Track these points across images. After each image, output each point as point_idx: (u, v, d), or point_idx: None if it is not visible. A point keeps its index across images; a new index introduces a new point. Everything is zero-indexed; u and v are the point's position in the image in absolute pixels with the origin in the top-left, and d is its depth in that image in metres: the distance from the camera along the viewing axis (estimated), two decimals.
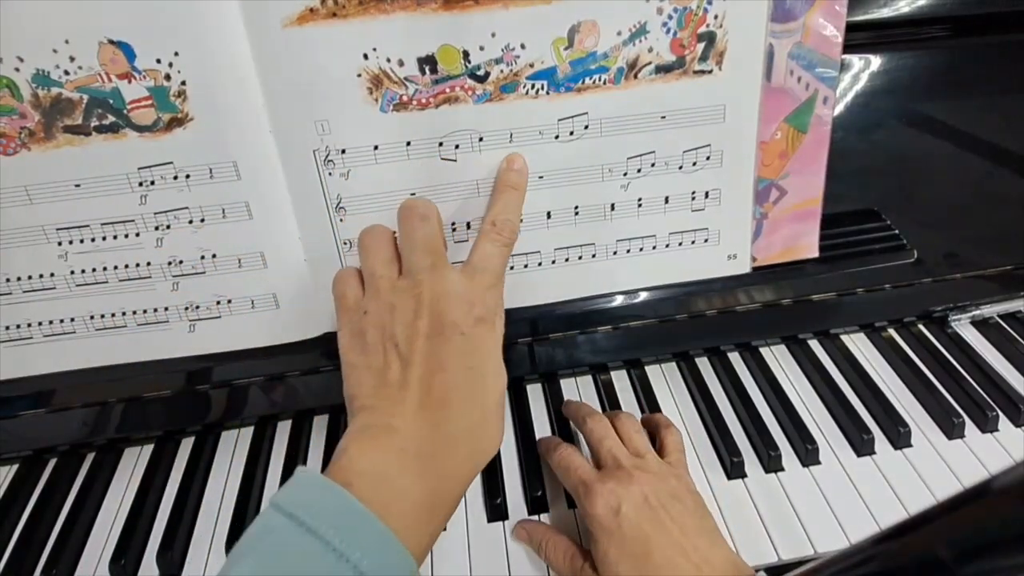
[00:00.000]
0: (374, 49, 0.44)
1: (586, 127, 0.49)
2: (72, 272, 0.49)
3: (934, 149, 0.60)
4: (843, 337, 0.64)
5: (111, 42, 0.42)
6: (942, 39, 0.59)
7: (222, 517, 0.52)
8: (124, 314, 0.51)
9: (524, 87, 0.47)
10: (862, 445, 0.53)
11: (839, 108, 0.57)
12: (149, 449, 0.58)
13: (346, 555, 0.33)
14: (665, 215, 0.53)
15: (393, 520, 0.36)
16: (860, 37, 0.56)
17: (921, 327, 0.64)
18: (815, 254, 0.57)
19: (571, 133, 0.49)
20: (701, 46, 0.47)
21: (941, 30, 0.58)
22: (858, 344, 0.63)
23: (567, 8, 0.45)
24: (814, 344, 0.63)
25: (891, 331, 0.64)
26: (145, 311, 0.51)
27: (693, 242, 0.55)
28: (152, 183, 0.47)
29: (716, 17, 0.47)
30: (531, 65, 0.46)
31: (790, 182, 0.54)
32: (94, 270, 0.49)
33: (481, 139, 0.48)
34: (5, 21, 0.41)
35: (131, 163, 0.46)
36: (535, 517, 0.50)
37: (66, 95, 0.43)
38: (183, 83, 0.44)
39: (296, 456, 0.55)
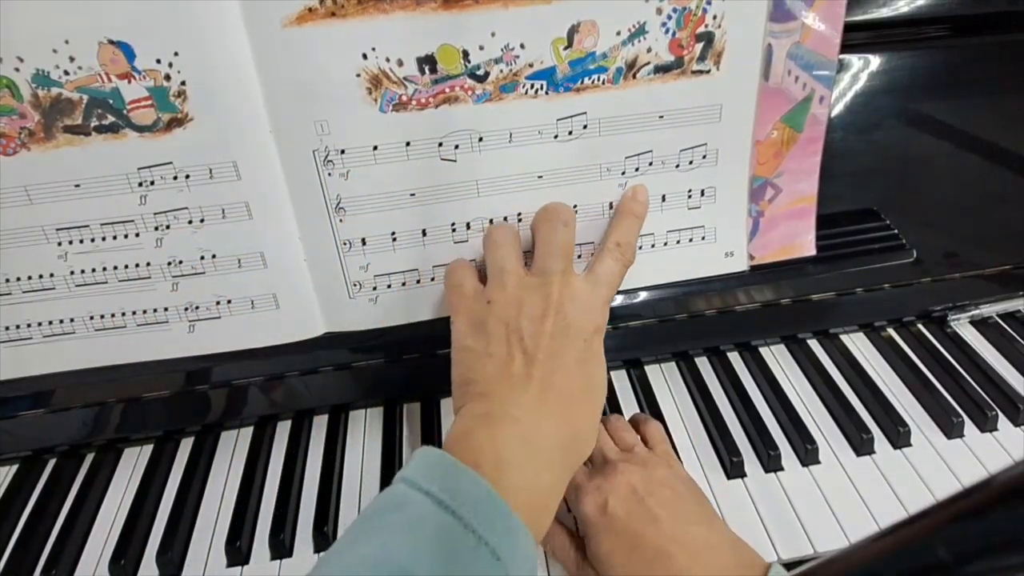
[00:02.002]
0: (373, 49, 0.44)
1: (585, 127, 0.49)
2: (72, 272, 0.49)
3: (933, 149, 0.60)
4: (842, 337, 0.64)
5: (111, 42, 0.42)
6: (941, 39, 0.59)
7: (222, 517, 0.52)
8: (124, 314, 0.51)
9: (523, 87, 0.47)
10: (861, 445, 0.53)
11: (838, 108, 0.57)
12: (149, 449, 0.58)
13: (484, 538, 0.33)
14: (663, 213, 0.53)
15: (516, 508, 0.36)
16: (859, 37, 0.56)
17: (920, 327, 0.64)
18: (812, 252, 0.57)
19: (570, 133, 0.49)
20: (699, 46, 0.47)
21: (940, 30, 0.58)
22: (857, 344, 0.63)
23: (567, 8, 0.45)
24: (813, 344, 0.63)
25: (890, 331, 0.64)
26: (145, 311, 0.51)
27: (691, 240, 0.55)
28: (152, 183, 0.47)
29: (715, 17, 0.47)
30: (530, 65, 0.46)
31: (785, 180, 0.54)
32: (94, 270, 0.49)
33: (481, 139, 0.48)
34: (5, 21, 0.41)
35: (131, 163, 0.46)
36: None
37: (66, 95, 0.43)
38: (183, 83, 0.44)
39: (296, 456, 0.55)
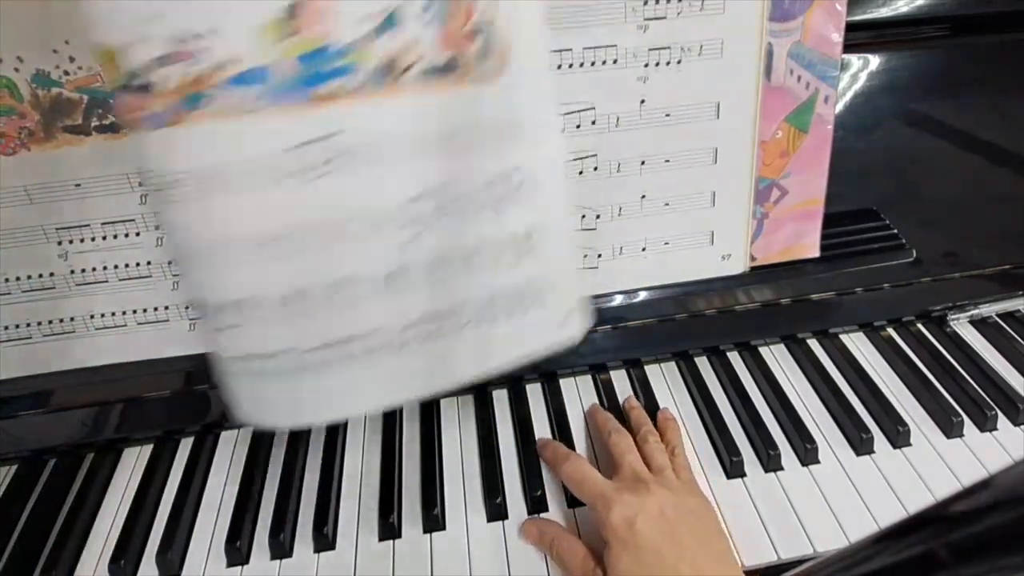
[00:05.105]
0: None
1: (328, 161, 0.34)
2: (72, 271, 0.49)
3: (933, 149, 0.60)
4: (842, 336, 0.64)
5: None
6: (941, 39, 0.59)
7: (221, 517, 0.52)
8: (124, 313, 0.51)
9: (223, 96, 0.32)
10: (861, 444, 0.53)
11: (838, 108, 0.57)
12: (149, 449, 0.58)
13: None
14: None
15: None
16: (859, 37, 0.56)
17: (920, 326, 0.64)
18: (816, 254, 0.57)
19: (327, 163, 0.34)
20: (478, 41, 0.36)
21: (940, 30, 0.58)
22: (857, 343, 0.63)
23: None
24: (813, 343, 0.63)
25: (890, 330, 0.64)
26: (145, 310, 0.51)
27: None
28: None
29: (489, 8, 0.35)
30: (228, 64, 0.32)
31: (791, 182, 0.54)
32: (94, 269, 0.49)
33: (164, 189, 0.33)
34: (5, 21, 0.41)
35: (131, 163, 0.46)
36: (535, 516, 0.50)
37: (66, 95, 0.43)
38: None
39: (296, 456, 0.55)
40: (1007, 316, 0.64)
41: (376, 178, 0.36)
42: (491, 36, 0.36)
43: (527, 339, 0.43)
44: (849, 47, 0.51)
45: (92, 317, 0.51)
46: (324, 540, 0.49)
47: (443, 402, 0.59)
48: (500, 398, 0.60)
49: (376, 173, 0.36)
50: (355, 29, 0.33)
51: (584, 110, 0.48)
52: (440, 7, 0.35)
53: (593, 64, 0.46)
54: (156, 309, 0.51)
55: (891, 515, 0.48)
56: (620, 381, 0.61)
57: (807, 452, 0.53)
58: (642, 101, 0.48)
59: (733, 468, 0.52)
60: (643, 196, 0.52)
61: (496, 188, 0.38)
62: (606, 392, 0.60)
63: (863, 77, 0.58)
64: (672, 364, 0.62)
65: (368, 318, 0.39)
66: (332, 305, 0.38)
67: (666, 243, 0.54)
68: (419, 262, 0.38)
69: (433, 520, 0.50)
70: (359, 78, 0.34)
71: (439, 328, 0.40)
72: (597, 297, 0.56)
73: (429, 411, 0.58)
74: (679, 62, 0.47)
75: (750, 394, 0.58)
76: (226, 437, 0.58)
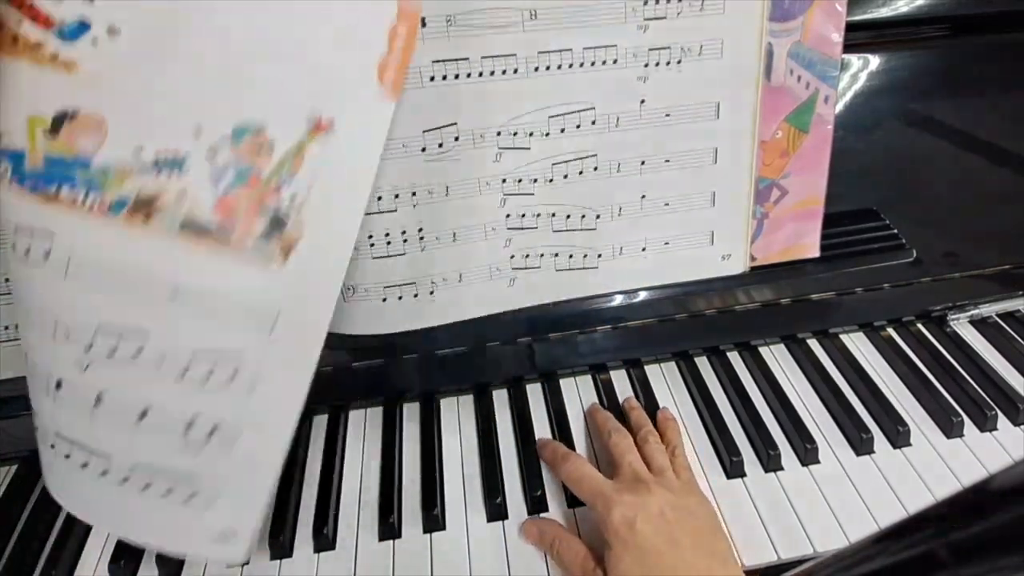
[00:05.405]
0: None
1: (47, 253, 0.35)
2: None
3: (933, 149, 0.60)
4: (842, 336, 0.64)
5: None
6: (941, 39, 0.59)
7: None
8: None
9: None
10: (861, 444, 0.53)
11: (838, 108, 0.57)
12: None
13: None
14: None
15: None
16: (859, 37, 0.56)
17: (920, 326, 0.64)
18: (816, 254, 0.57)
19: (27, 252, 0.36)
20: (262, 223, 0.36)
21: (940, 30, 0.58)
22: (857, 343, 0.63)
23: (55, 86, 0.33)
24: (813, 343, 0.63)
25: (890, 330, 0.64)
26: None
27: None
28: None
29: (292, 199, 0.35)
30: (2, 136, 0.34)
31: (791, 182, 0.54)
32: None
33: None
34: None
35: None
36: (536, 516, 0.50)
37: None
38: None
39: (295, 456, 0.55)
40: (1007, 316, 0.64)
41: (72, 293, 0.36)
42: (283, 224, 0.36)
43: (170, 532, 0.42)
44: (849, 47, 0.51)
45: None
46: (324, 540, 0.49)
47: (443, 402, 0.59)
48: (500, 398, 0.60)
49: (75, 288, 0.36)
50: (124, 155, 0.34)
51: (584, 110, 0.48)
52: (238, 175, 0.35)
53: (593, 64, 0.46)
54: None
55: (891, 515, 0.48)
56: (620, 381, 0.61)
57: (807, 452, 0.53)
58: (642, 101, 0.48)
59: (733, 468, 0.52)
60: (643, 196, 0.52)
61: (199, 363, 0.37)
62: (606, 392, 0.60)
63: (863, 77, 0.58)
64: (672, 364, 0.62)
65: (41, 411, 0.42)
66: (35, 390, 0.42)
67: (666, 243, 0.54)
68: (90, 387, 0.38)
69: (433, 520, 0.50)
70: (98, 198, 0.35)
71: (88, 462, 0.41)
72: (597, 297, 0.56)
73: (429, 411, 0.58)
74: (679, 62, 0.47)
75: (750, 394, 0.58)
76: None
